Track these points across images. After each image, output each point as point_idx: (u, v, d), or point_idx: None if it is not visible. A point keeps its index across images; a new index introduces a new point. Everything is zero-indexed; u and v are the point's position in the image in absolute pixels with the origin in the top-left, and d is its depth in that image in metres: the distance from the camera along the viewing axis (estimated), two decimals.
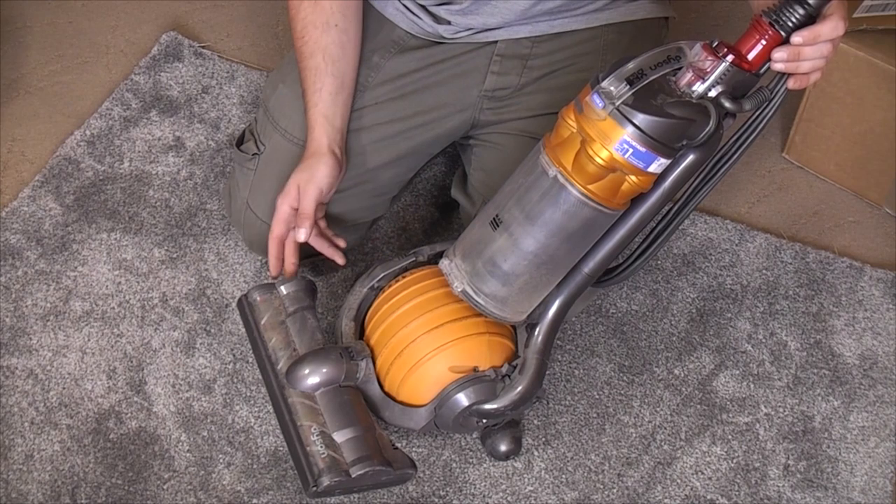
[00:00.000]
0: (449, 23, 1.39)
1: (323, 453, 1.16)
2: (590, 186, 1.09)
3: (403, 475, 1.21)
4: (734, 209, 1.64)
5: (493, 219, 1.15)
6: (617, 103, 1.05)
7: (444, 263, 1.21)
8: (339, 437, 1.18)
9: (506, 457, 1.33)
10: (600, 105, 1.06)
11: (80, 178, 1.60)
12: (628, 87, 1.05)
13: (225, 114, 1.69)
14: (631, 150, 1.06)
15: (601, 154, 1.07)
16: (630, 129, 1.05)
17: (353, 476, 1.15)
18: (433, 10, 1.39)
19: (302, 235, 1.30)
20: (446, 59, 1.41)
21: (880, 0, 1.52)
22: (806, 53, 1.08)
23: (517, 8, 1.35)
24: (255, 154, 1.43)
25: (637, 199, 1.15)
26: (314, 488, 1.15)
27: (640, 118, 1.05)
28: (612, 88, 1.05)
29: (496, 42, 1.40)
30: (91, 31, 1.82)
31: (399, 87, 1.41)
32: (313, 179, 1.31)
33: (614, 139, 1.06)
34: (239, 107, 1.70)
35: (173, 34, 1.79)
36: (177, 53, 1.76)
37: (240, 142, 1.47)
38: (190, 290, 1.49)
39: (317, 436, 1.17)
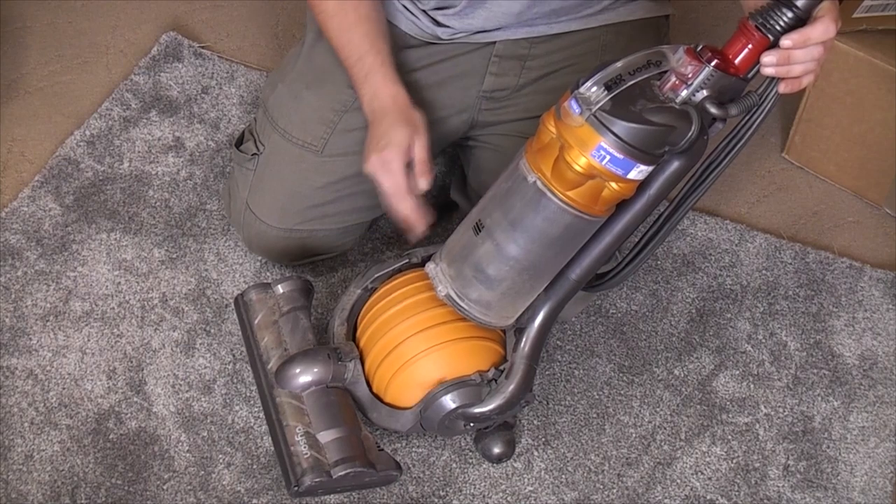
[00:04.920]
0: (447, 26, 1.39)
1: (306, 453, 1.17)
2: (569, 193, 1.08)
3: (387, 477, 1.21)
4: (734, 209, 1.64)
5: (476, 224, 1.15)
6: (594, 109, 1.03)
7: (429, 267, 1.21)
8: (324, 437, 1.18)
9: (498, 459, 1.33)
10: (577, 111, 1.04)
11: (79, 178, 1.60)
12: (606, 92, 1.03)
13: (225, 114, 1.69)
14: (608, 157, 1.05)
15: (579, 161, 1.05)
16: (607, 135, 1.03)
17: (335, 477, 1.16)
18: (431, 13, 1.39)
19: (426, 184, 1.29)
20: (445, 60, 1.40)
21: (880, 0, 1.52)
22: (796, 57, 1.07)
23: (512, 11, 1.35)
24: (255, 154, 1.43)
25: (622, 206, 1.14)
26: (296, 488, 1.16)
27: (618, 125, 1.03)
28: (589, 94, 1.03)
29: (494, 43, 1.39)
30: (91, 31, 1.82)
31: None
32: (419, 130, 1.29)
33: (591, 146, 1.04)
34: (239, 107, 1.70)
35: (173, 34, 1.79)
36: (177, 53, 1.76)
37: (239, 142, 1.47)
38: (190, 290, 1.49)
39: (301, 436, 1.18)
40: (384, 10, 1.36)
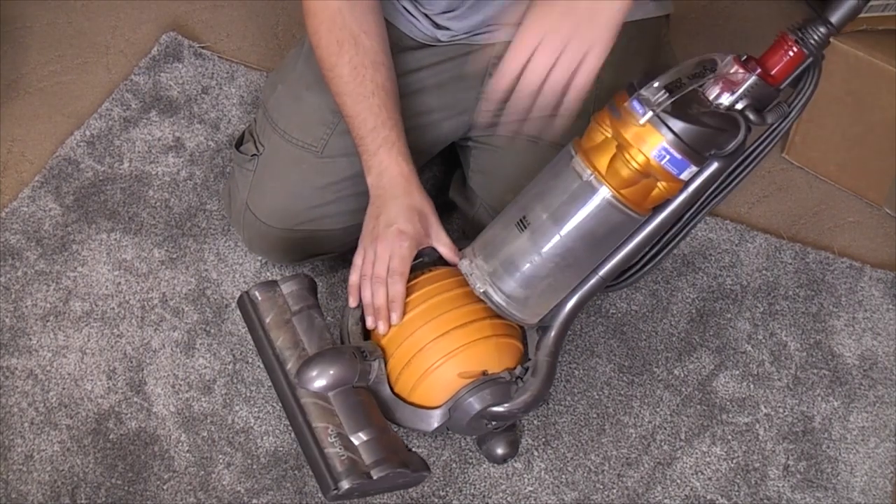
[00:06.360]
0: (446, 28, 1.39)
1: (342, 455, 1.13)
2: (623, 191, 1.12)
3: (419, 477, 1.19)
4: (734, 209, 1.64)
5: (520, 220, 1.17)
6: (658, 110, 1.07)
7: (463, 264, 1.22)
8: (356, 438, 1.15)
9: (503, 460, 1.33)
10: (640, 111, 1.08)
11: (79, 178, 1.60)
12: (668, 94, 1.07)
13: (225, 114, 1.69)
14: (668, 157, 1.09)
15: (637, 158, 1.10)
16: (669, 135, 1.08)
17: (375, 478, 1.13)
18: (433, 17, 1.39)
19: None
20: (445, 62, 1.40)
21: (880, 0, 1.52)
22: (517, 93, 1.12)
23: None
24: (255, 155, 1.42)
25: (658, 207, 1.17)
26: (335, 491, 1.11)
27: (679, 126, 1.08)
28: (651, 95, 1.07)
29: (493, 45, 1.39)
30: (91, 31, 1.83)
31: (399, 88, 1.40)
32: (428, 229, 1.29)
33: (652, 145, 1.09)
34: (239, 107, 1.70)
35: (173, 34, 1.79)
36: (177, 54, 1.76)
37: (239, 143, 1.46)
38: (190, 290, 1.49)
39: (334, 437, 1.14)
40: (385, 35, 1.34)
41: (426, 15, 1.39)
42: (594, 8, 1.11)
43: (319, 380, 1.17)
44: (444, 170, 1.63)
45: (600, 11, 1.11)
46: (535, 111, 1.14)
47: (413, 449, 1.34)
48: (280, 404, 1.24)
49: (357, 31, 1.29)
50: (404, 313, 1.25)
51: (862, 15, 1.51)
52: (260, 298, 1.26)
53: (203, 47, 1.78)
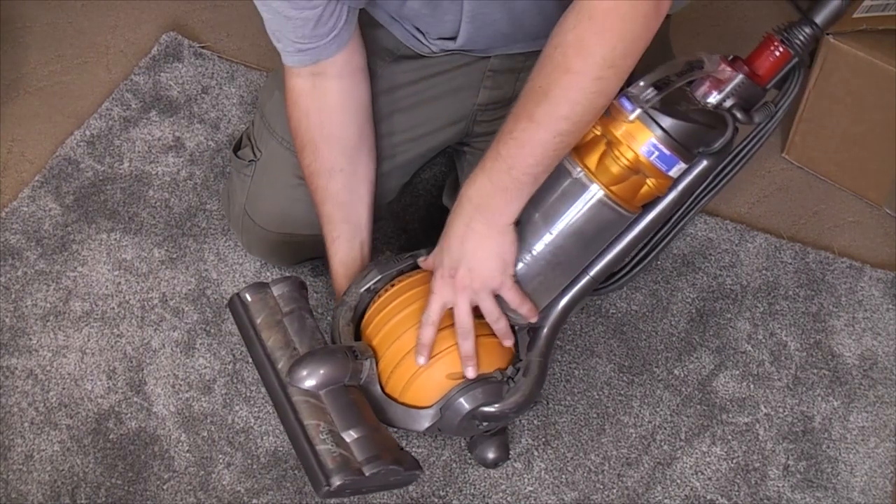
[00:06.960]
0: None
1: (334, 451, 1.13)
2: (612, 188, 1.12)
3: (411, 476, 1.19)
4: (734, 209, 1.64)
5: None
6: (646, 107, 1.08)
7: None
8: (348, 436, 1.15)
9: (494, 464, 1.33)
10: (629, 108, 1.09)
11: (79, 178, 1.60)
12: (656, 91, 1.07)
13: (225, 114, 1.69)
14: (657, 153, 1.10)
15: (627, 155, 1.10)
16: (658, 131, 1.09)
17: (367, 475, 1.12)
18: (431, 40, 1.37)
19: None
20: (440, 73, 1.39)
21: (880, 0, 1.52)
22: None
23: (505, 37, 1.34)
24: (252, 160, 1.42)
25: (648, 205, 1.18)
26: (327, 487, 1.11)
27: (668, 122, 1.09)
28: (640, 93, 1.08)
29: (489, 58, 1.38)
30: (91, 31, 1.83)
31: (395, 101, 1.39)
32: None
33: (642, 141, 1.10)
34: (238, 107, 1.70)
35: (173, 34, 1.79)
36: (177, 53, 1.76)
37: (237, 147, 1.46)
38: (190, 290, 1.49)
39: (326, 434, 1.14)
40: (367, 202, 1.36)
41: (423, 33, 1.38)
42: (471, 267, 1.15)
43: (311, 378, 1.17)
44: (445, 169, 1.63)
45: (478, 265, 1.15)
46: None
47: (413, 449, 1.34)
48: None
49: (318, 137, 1.30)
50: (399, 311, 1.25)
51: (862, 15, 1.52)
52: (250, 300, 1.26)
53: (203, 47, 1.78)
